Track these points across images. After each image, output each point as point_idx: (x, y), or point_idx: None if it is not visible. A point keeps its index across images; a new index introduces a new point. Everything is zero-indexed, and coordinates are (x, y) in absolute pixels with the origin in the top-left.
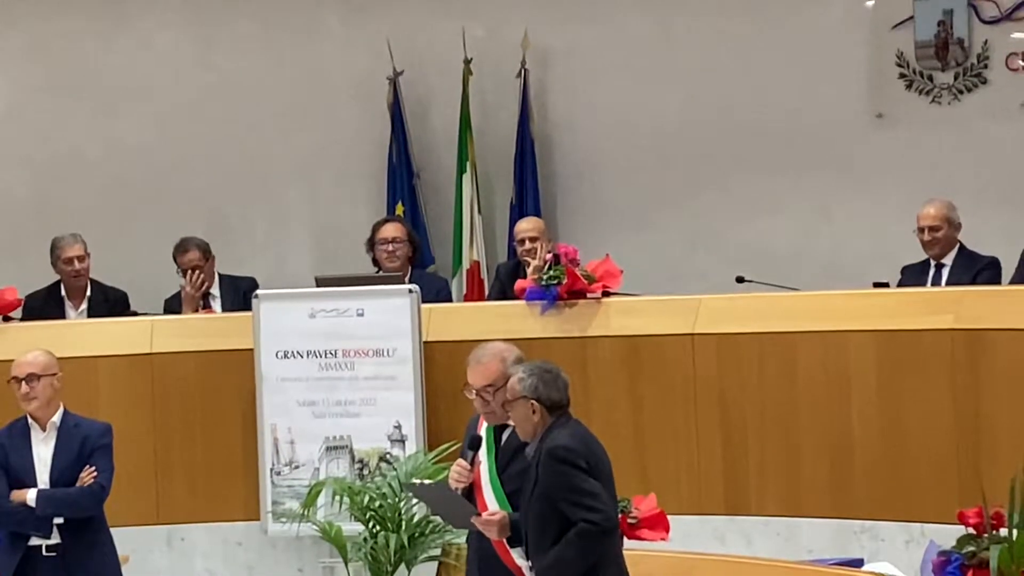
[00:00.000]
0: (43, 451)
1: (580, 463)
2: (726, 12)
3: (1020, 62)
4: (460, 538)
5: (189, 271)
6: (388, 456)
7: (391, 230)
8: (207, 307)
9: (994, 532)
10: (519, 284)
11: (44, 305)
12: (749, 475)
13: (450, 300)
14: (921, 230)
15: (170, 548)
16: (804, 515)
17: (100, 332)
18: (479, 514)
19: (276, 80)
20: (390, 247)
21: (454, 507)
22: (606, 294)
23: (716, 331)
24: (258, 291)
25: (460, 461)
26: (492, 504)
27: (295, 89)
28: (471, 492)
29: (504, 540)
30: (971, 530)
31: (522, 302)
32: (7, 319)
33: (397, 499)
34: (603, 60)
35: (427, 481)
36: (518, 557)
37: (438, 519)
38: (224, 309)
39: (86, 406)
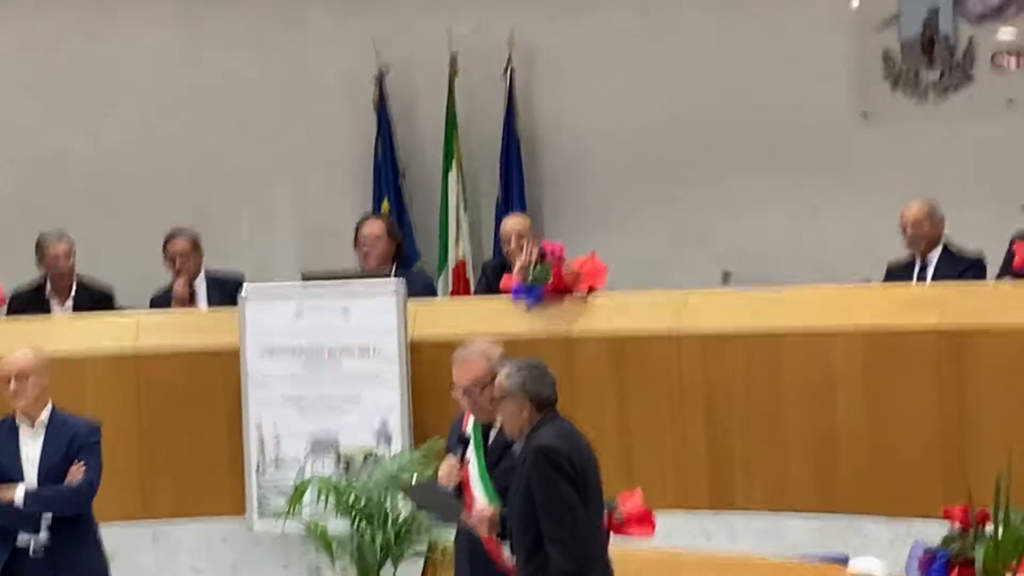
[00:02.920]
0: (31, 449)
1: (565, 465)
2: (712, 11)
3: (1006, 60)
4: (447, 535)
5: (174, 259)
6: (374, 454)
7: (367, 228)
8: (192, 302)
9: (979, 528)
10: (505, 282)
11: (29, 302)
12: (734, 471)
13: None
14: (904, 227)
15: (155, 545)
16: (790, 511)
17: (86, 329)
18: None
19: (262, 78)
20: (365, 247)
21: (444, 504)
22: (592, 292)
23: (701, 329)
24: (244, 288)
25: (449, 459)
26: (482, 501)
27: (281, 87)
28: (460, 490)
29: (495, 536)
30: (957, 527)
31: (508, 300)
32: None
33: (382, 497)
34: (589, 58)
35: (416, 478)
36: (508, 553)
37: (423, 516)
38: (210, 306)
39: (71, 403)
